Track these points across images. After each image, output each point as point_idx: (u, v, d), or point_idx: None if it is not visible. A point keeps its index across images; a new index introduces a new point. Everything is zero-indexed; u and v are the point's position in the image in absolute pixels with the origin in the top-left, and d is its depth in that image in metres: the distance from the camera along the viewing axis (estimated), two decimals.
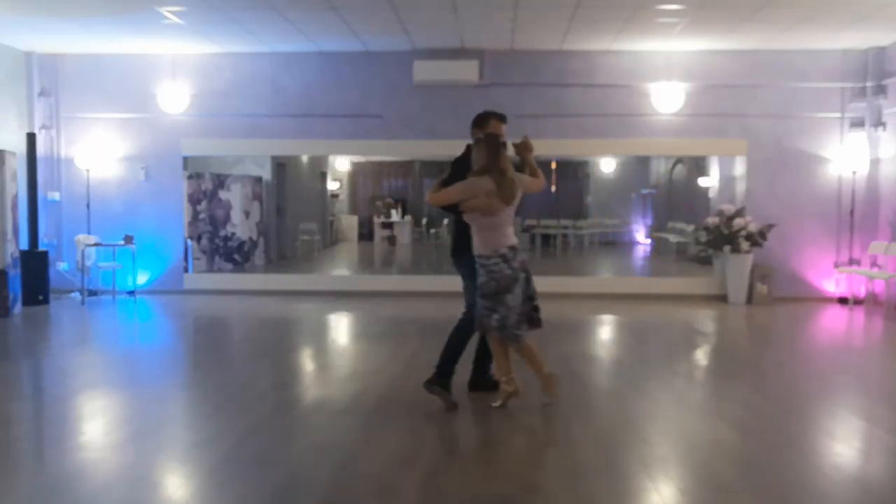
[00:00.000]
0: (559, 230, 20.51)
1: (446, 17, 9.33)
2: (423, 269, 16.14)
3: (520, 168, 5.48)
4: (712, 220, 11.07)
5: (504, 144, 5.34)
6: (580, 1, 8.62)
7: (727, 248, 10.76)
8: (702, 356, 7.98)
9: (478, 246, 5.25)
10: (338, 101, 11.41)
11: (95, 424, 5.25)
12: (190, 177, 12.91)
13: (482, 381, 5.78)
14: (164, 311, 10.47)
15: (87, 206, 11.41)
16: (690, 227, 15.88)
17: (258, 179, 15.24)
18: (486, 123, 5.49)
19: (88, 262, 10.98)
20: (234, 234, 14.38)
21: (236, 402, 5.68)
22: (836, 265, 11.06)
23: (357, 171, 23.88)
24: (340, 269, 16.13)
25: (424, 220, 22.33)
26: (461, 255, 5.49)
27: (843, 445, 4.80)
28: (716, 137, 11.28)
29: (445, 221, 22.00)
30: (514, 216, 5.40)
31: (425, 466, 4.29)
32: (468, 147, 5.46)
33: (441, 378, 5.43)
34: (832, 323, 9.79)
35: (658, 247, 18.90)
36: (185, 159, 11.94)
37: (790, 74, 11.04)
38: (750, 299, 10.89)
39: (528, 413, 5.44)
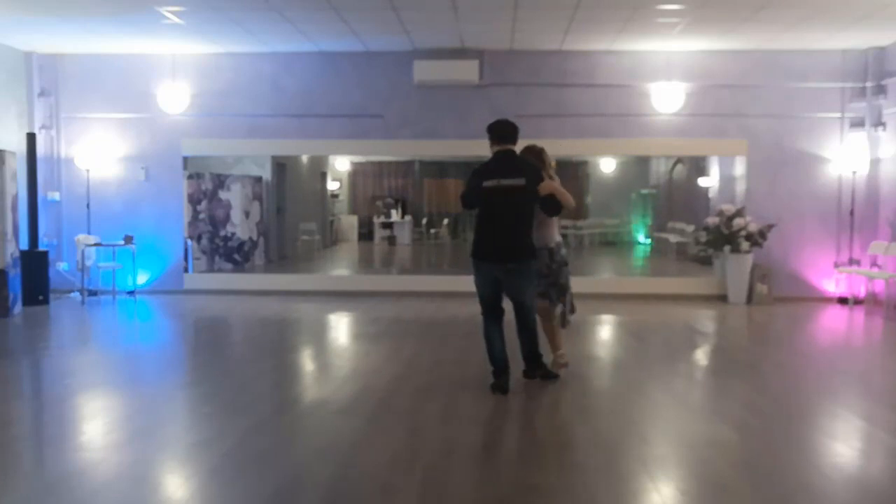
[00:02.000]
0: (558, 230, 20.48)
1: (446, 17, 9.33)
2: (423, 269, 16.14)
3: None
4: (712, 220, 11.07)
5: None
6: (580, 1, 8.62)
7: (727, 248, 10.75)
8: (702, 356, 7.98)
9: (546, 237, 6.03)
10: (338, 101, 11.42)
11: (95, 424, 5.25)
12: (190, 177, 12.91)
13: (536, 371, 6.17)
14: (164, 311, 10.47)
15: (87, 206, 11.41)
16: (690, 227, 15.88)
17: (258, 179, 15.24)
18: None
19: (88, 262, 10.98)
20: (234, 234, 14.38)
21: (236, 401, 5.68)
22: (836, 265, 11.06)
23: (357, 171, 23.88)
24: (340, 270, 16.13)
25: (424, 220, 22.34)
26: (532, 256, 5.84)
27: (843, 445, 4.80)
28: (716, 137, 11.28)
29: (445, 221, 22.02)
30: None
31: (425, 466, 4.29)
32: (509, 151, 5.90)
33: (536, 365, 6.06)
34: (832, 323, 9.79)
35: (658, 247, 18.90)
36: (185, 159, 11.94)
37: (790, 74, 11.04)
38: (750, 299, 10.89)
39: (528, 413, 5.44)
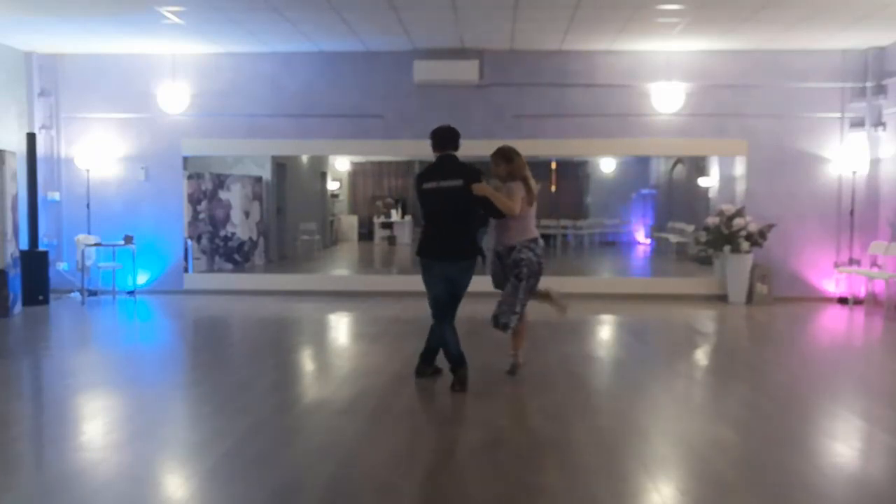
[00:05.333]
0: (559, 230, 20.53)
1: (446, 17, 9.33)
2: None
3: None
4: (712, 220, 11.07)
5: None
6: (580, 1, 8.62)
7: (727, 248, 10.75)
8: (702, 356, 7.98)
9: (514, 237, 6.03)
10: (338, 101, 11.41)
11: (95, 424, 5.25)
12: (190, 177, 12.91)
13: (427, 369, 6.27)
14: (164, 311, 10.47)
15: (87, 206, 11.41)
16: (690, 227, 15.89)
17: (258, 179, 15.24)
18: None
19: (88, 262, 10.98)
20: (234, 234, 14.38)
21: (236, 402, 5.68)
22: (836, 265, 11.06)
23: (357, 171, 23.87)
24: (340, 270, 16.13)
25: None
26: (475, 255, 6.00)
27: (843, 445, 4.80)
28: (716, 137, 11.28)
29: None
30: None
31: (425, 466, 4.29)
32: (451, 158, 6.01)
33: (456, 367, 5.90)
34: (832, 323, 9.79)
35: (658, 247, 18.90)
36: (185, 159, 11.94)
37: (790, 74, 11.04)
38: (750, 299, 10.89)
39: (528, 413, 5.44)
